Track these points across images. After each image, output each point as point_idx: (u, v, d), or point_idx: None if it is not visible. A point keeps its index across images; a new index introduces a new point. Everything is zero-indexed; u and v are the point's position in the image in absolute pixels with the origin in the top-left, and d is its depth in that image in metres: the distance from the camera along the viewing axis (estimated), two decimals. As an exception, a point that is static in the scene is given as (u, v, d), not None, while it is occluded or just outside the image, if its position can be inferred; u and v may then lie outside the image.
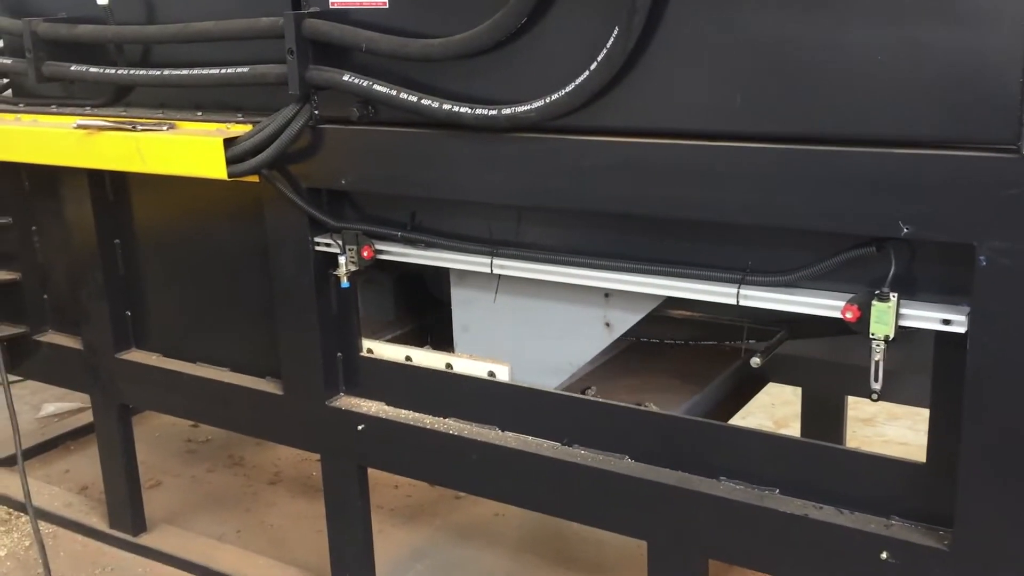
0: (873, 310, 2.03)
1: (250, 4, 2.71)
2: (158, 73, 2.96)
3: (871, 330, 2.05)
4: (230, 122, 2.88)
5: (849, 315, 2.07)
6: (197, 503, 4.11)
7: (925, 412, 2.21)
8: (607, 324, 2.67)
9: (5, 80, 3.73)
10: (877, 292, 2.04)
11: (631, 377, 3.04)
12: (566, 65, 2.24)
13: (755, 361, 2.66)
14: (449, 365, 2.84)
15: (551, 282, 2.55)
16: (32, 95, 3.53)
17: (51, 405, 5.18)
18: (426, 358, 2.89)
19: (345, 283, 2.81)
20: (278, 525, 3.91)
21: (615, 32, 2.11)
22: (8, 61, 3.40)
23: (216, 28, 2.75)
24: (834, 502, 2.25)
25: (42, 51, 3.20)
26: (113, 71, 3.08)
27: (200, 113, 3.01)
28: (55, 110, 3.35)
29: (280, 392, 3.09)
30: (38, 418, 5.06)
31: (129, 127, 2.95)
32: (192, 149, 2.79)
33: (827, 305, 2.13)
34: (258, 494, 4.18)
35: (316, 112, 2.68)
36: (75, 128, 3.02)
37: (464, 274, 2.78)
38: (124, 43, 3.08)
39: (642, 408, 2.58)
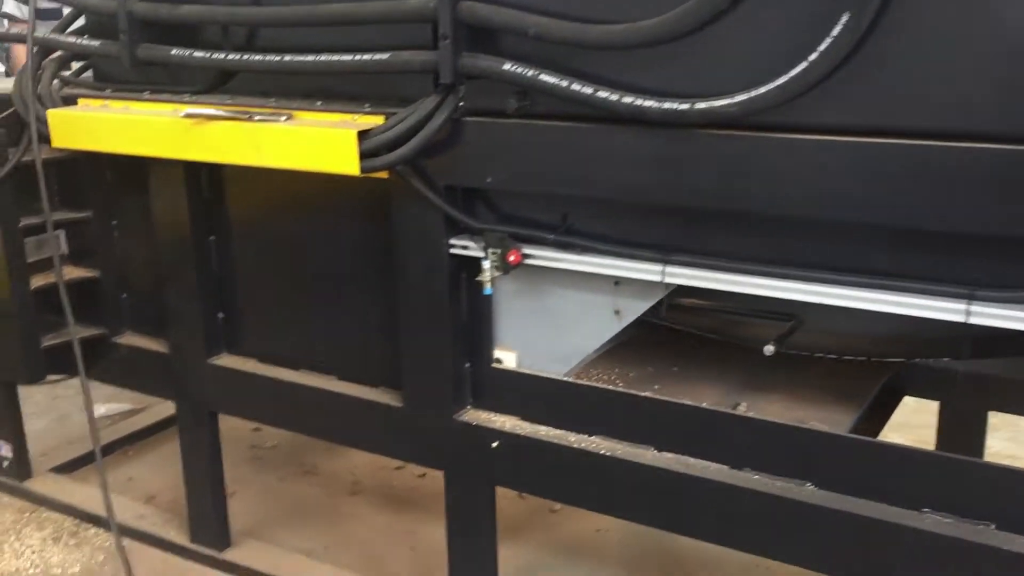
0: None
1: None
2: (277, 59, 2.71)
3: None
4: (355, 112, 2.65)
5: (1110, 338, 1.87)
6: (276, 515, 3.89)
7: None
8: (616, 312, 2.58)
9: (81, 63, 3.48)
10: None
11: (777, 392, 2.83)
12: (771, 54, 2.02)
13: (768, 349, 2.56)
14: None
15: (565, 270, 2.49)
16: (117, 80, 3.27)
17: (102, 406, 4.91)
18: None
19: (488, 289, 2.59)
20: (367, 540, 3.69)
21: (844, 16, 1.90)
22: (95, 43, 3.14)
23: (353, 11, 2.51)
24: (1064, 540, 2.06)
25: (137, 33, 2.97)
26: (222, 56, 2.83)
27: (320, 103, 2.76)
28: (148, 97, 3.10)
29: (400, 404, 2.87)
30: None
31: (245, 117, 2.72)
32: (322, 142, 2.56)
33: (1079, 326, 1.93)
34: (339, 506, 3.96)
35: (461, 103, 2.46)
36: (183, 117, 2.79)
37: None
38: (238, 25, 2.84)
39: (823, 430, 2.38)
